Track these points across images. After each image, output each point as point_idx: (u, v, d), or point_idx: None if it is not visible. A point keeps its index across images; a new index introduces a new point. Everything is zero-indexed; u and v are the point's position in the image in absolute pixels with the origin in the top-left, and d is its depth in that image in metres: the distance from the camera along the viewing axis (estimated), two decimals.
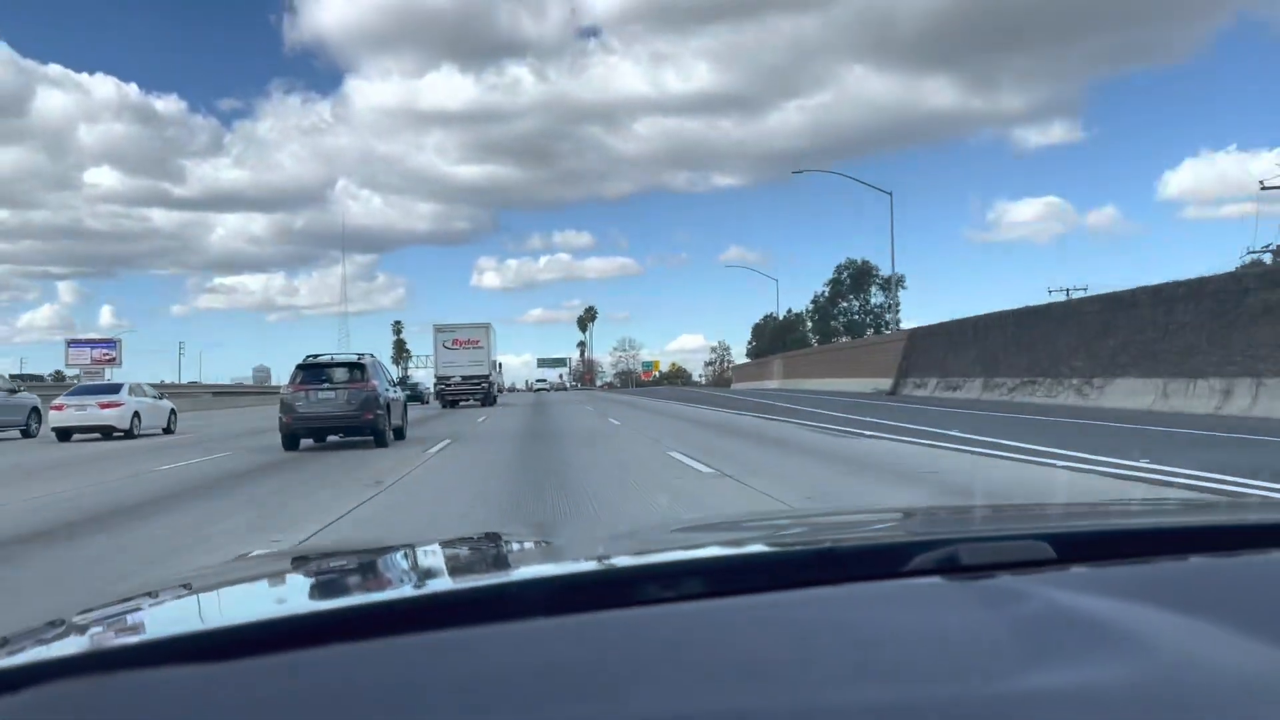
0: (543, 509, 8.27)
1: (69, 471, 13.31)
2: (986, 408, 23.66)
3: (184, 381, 62.33)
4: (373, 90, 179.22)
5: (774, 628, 0.75)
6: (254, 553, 4.95)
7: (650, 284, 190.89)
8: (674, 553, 1.12)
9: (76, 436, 21.42)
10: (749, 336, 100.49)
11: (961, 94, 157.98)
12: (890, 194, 43.90)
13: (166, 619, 1.00)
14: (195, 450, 16.42)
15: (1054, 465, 10.16)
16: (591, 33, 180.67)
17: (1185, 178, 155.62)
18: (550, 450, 14.34)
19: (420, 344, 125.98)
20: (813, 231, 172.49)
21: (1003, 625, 0.73)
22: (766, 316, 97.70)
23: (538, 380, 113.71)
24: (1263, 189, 45.95)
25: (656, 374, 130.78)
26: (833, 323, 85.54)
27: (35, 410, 23.48)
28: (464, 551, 1.35)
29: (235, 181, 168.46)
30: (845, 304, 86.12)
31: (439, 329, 43.03)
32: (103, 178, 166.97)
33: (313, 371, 16.31)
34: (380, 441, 15.90)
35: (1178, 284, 20.97)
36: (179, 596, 1.07)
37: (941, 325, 35.13)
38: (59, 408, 21.60)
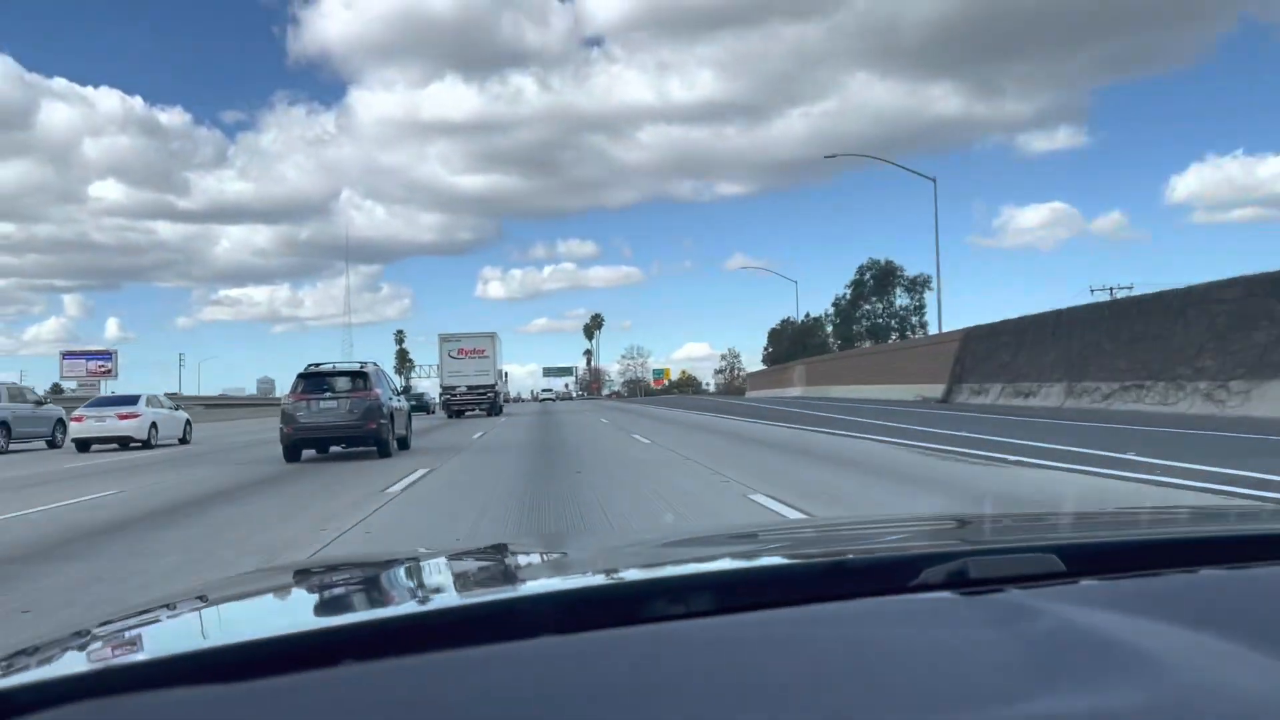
0: None
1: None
2: (1088, 417, 19.44)
3: (184, 394, 59.56)
4: (376, 101, 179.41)
5: (780, 646, 0.74)
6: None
7: (655, 293, 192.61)
8: (678, 568, 1.12)
9: (95, 447, 21.77)
10: (764, 343, 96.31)
11: (966, 100, 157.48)
12: (934, 180, 39.80)
13: (182, 634, 1.01)
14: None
15: None
16: (595, 42, 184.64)
17: (1192, 182, 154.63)
18: (572, 490, 10.07)
19: (425, 354, 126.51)
20: (823, 235, 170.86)
21: (1011, 644, 0.72)
22: (784, 321, 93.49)
23: (543, 390, 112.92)
24: None
25: (667, 382, 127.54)
26: (855, 326, 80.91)
27: (60, 421, 24.06)
28: (471, 565, 1.33)
29: (240, 193, 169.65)
30: (868, 306, 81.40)
31: (444, 338, 42.41)
32: (108, 191, 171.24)
33: (314, 381, 15.83)
34: (384, 452, 15.36)
35: None
36: (195, 609, 1.08)
37: (1007, 323, 30.80)
38: (79, 419, 22.04)
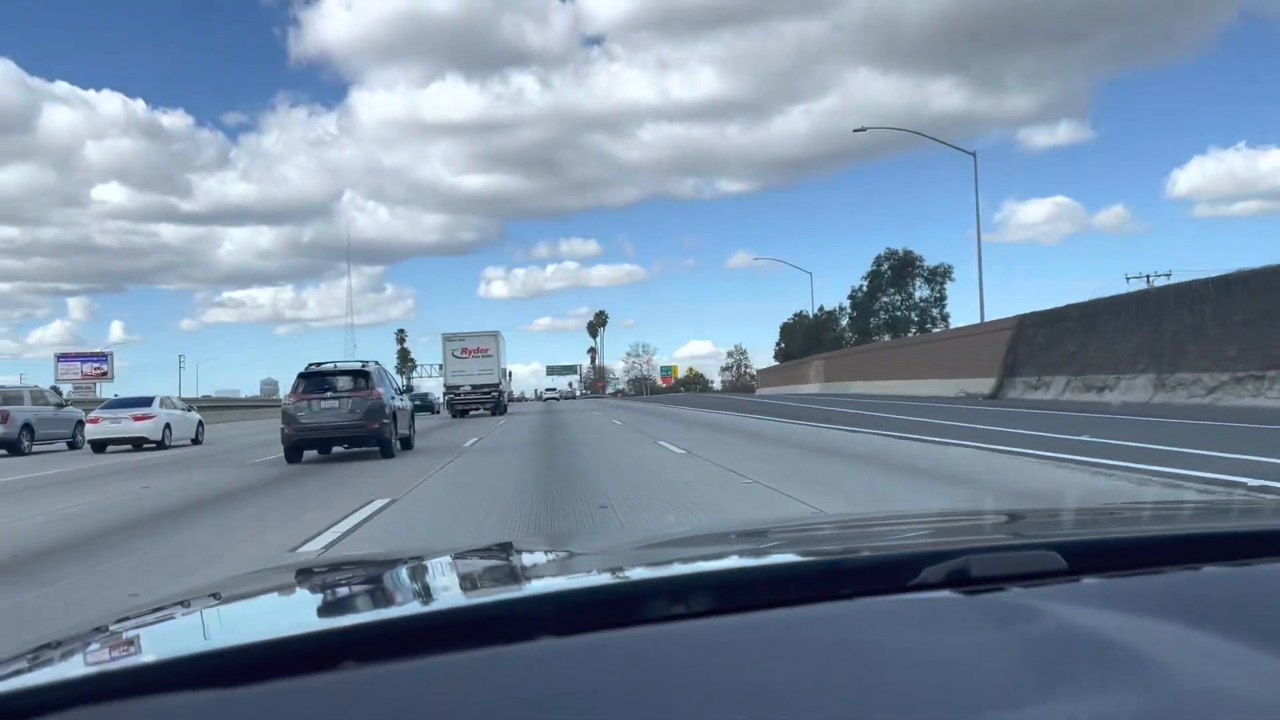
0: None
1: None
2: (1192, 415, 16.08)
3: (182, 396, 57.49)
4: (377, 102, 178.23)
5: (780, 646, 0.73)
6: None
7: (657, 291, 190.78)
8: (677, 568, 1.11)
9: (110, 448, 22.09)
10: (770, 340, 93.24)
11: (968, 96, 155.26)
12: (974, 154, 36.37)
13: (188, 634, 1.02)
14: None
15: None
16: (595, 41, 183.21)
17: (1194, 176, 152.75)
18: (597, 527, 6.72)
19: (429, 354, 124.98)
20: (831, 229, 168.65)
21: (1012, 644, 0.72)
22: (797, 315, 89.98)
23: (547, 390, 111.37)
24: None
25: (675, 380, 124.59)
26: (873, 319, 77.11)
27: (80, 423, 24.27)
28: (473, 565, 1.31)
29: (242, 195, 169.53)
30: (886, 298, 77.32)
31: (447, 338, 42.22)
32: (111, 194, 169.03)
33: (315, 380, 15.51)
34: (386, 452, 15.08)
35: None
36: (209, 607, 1.10)
37: (1072, 308, 27.34)
38: (95, 421, 22.48)
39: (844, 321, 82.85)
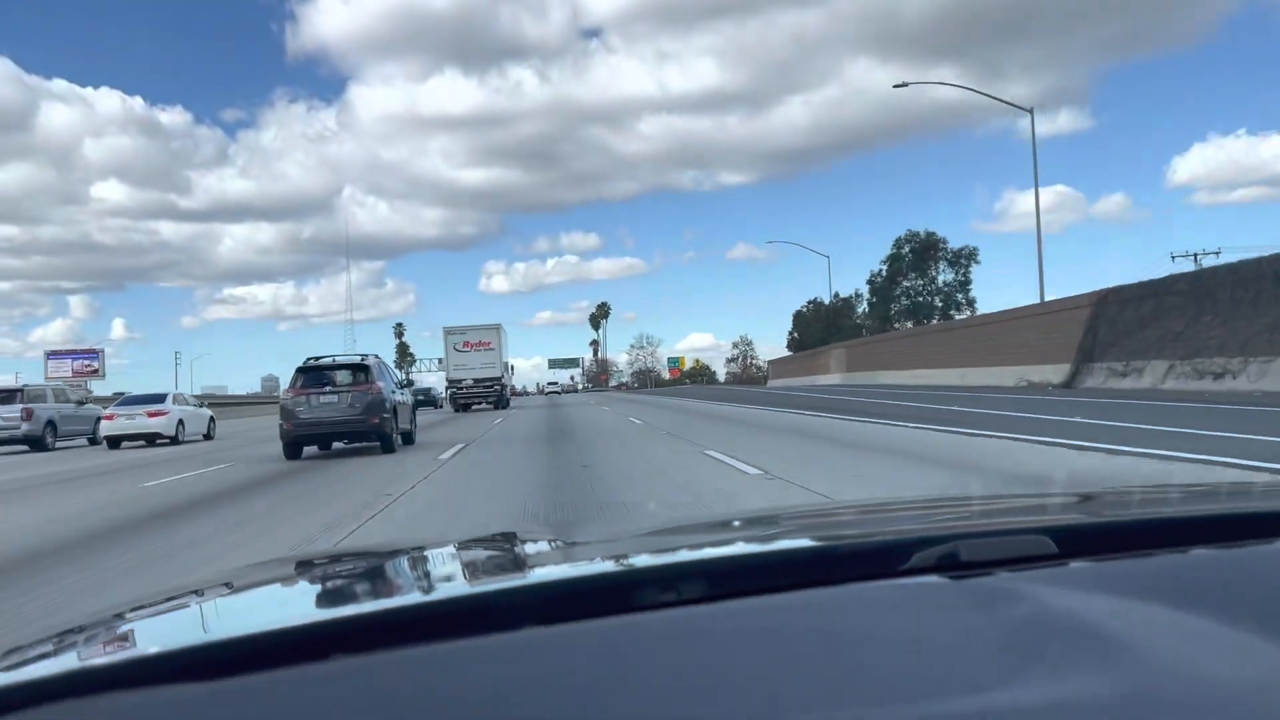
0: None
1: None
2: None
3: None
4: (376, 97, 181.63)
5: (766, 633, 0.73)
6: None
7: (658, 284, 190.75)
8: (667, 556, 1.10)
9: (125, 444, 22.68)
10: (775, 330, 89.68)
11: (968, 84, 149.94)
12: (1031, 110, 32.14)
13: (226, 619, 1.03)
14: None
15: None
16: (593, 33, 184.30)
17: (1194, 163, 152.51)
18: None
19: (430, 349, 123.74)
20: (836, 217, 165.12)
21: (1000, 629, 0.72)
22: (811, 303, 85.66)
23: (549, 383, 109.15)
24: None
25: (682, 372, 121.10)
26: (893, 306, 72.58)
27: (99, 420, 24.54)
28: (476, 555, 1.32)
29: (242, 192, 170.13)
30: (907, 283, 72.69)
31: (449, 331, 41.76)
32: (110, 192, 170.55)
33: (313, 375, 15.39)
34: (387, 447, 14.84)
35: None
36: (221, 596, 1.11)
37: (1176, 279, 23.25)
38: (110, 417, 22.99)
39: (861, 309, 78.57)
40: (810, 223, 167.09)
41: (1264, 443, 9.29)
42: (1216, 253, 54.50)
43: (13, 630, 3.77)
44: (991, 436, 11.90)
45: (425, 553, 1.29)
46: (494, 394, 39.90)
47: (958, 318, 61.77)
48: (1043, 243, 32.41)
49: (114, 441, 22.73)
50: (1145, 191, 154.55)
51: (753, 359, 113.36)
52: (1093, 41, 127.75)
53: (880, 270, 73.85)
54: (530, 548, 1.36)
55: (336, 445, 15.77)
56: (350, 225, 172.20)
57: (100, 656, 0.83)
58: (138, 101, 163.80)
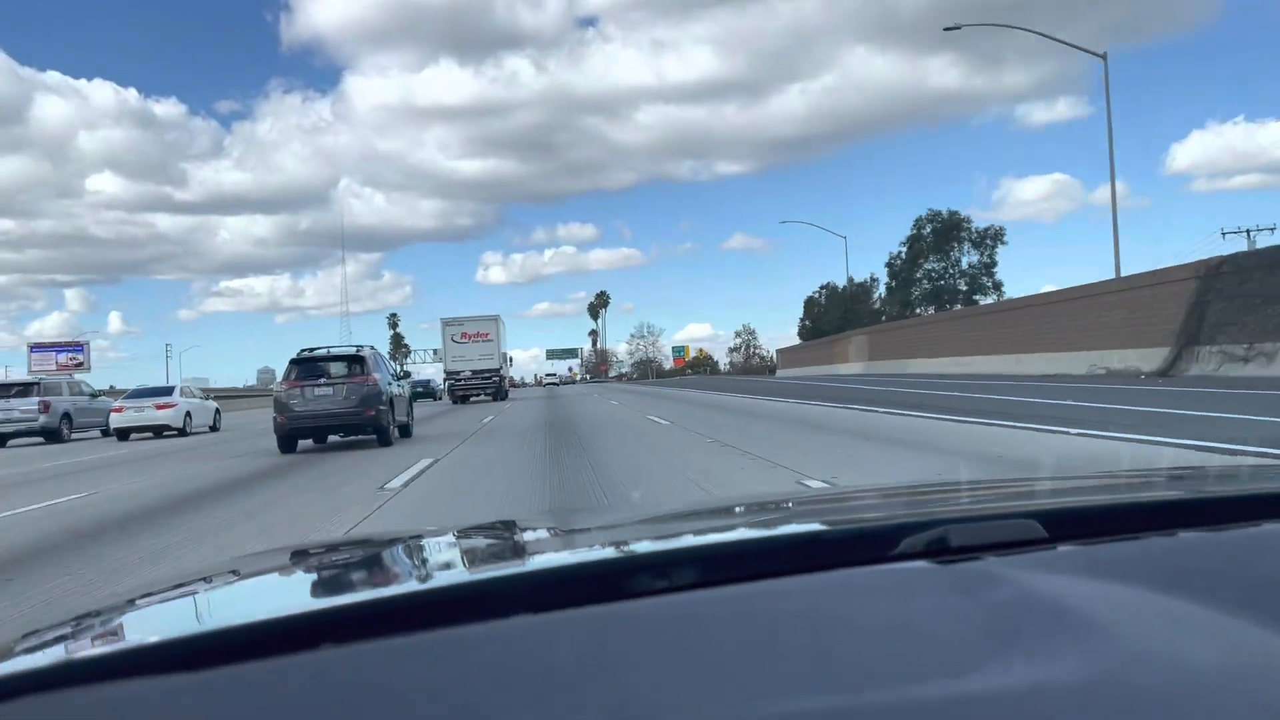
0: None
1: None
2: None
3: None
4: (371, 87, 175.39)
5: (754, 620, 0.73)
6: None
7: (656, 274, 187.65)
8: (657, 544, 1.10)
9: (134, 435, 23.30)
10: (782, 319, 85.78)
11: (965, 72, 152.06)
12: (1104, 56, 27.93)
13: (220, 608, 1.05)
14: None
15: None
16: (589, 22, 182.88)
17: (1193, 150, 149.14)
18: None
19: (427, 340, 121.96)
20: (836, 204, 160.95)
21: (989, 613, 0.72)
22: (824, 287, 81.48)
23: (547, 375, 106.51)
24: None
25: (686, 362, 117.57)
26: (914, 290, 68.21)
27: (112, 413, 25.01)
28: (475, 543, 1.32)
29: (237, 184, 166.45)
30: (929, 266, 68.32)
31: (446, 322, 41.82)
32: (105, 184, 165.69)
33: (308, 366, 15.10)
34: (384, 440, 14.60)
35: None
36: (229, 584, 1.13)
37: None
38: (119, 410, 23.56)
39: (878, 293, 74.36)
40: (808, 213, 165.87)
41: None
42: (1271, 228, 50.33)
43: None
44: (1105, 437, 7.71)
45: (423, 541, 1.29)
46: (492, 385, 39.73)
47: (989, 301, 57.43)
48: (1117, 215, 28.17)
49: (123, 433, 23.11)
50: (1144, 179, 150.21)
51: (756, 348, 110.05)
52: (1092, 28, 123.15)
53: (899, 252, 69.42)
54: (529, 535, 1.37)
55: (331, 439, 15.39)
56: (346, 217, 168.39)
57: (100, 646, 0.84)
58: (132, 93, 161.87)
